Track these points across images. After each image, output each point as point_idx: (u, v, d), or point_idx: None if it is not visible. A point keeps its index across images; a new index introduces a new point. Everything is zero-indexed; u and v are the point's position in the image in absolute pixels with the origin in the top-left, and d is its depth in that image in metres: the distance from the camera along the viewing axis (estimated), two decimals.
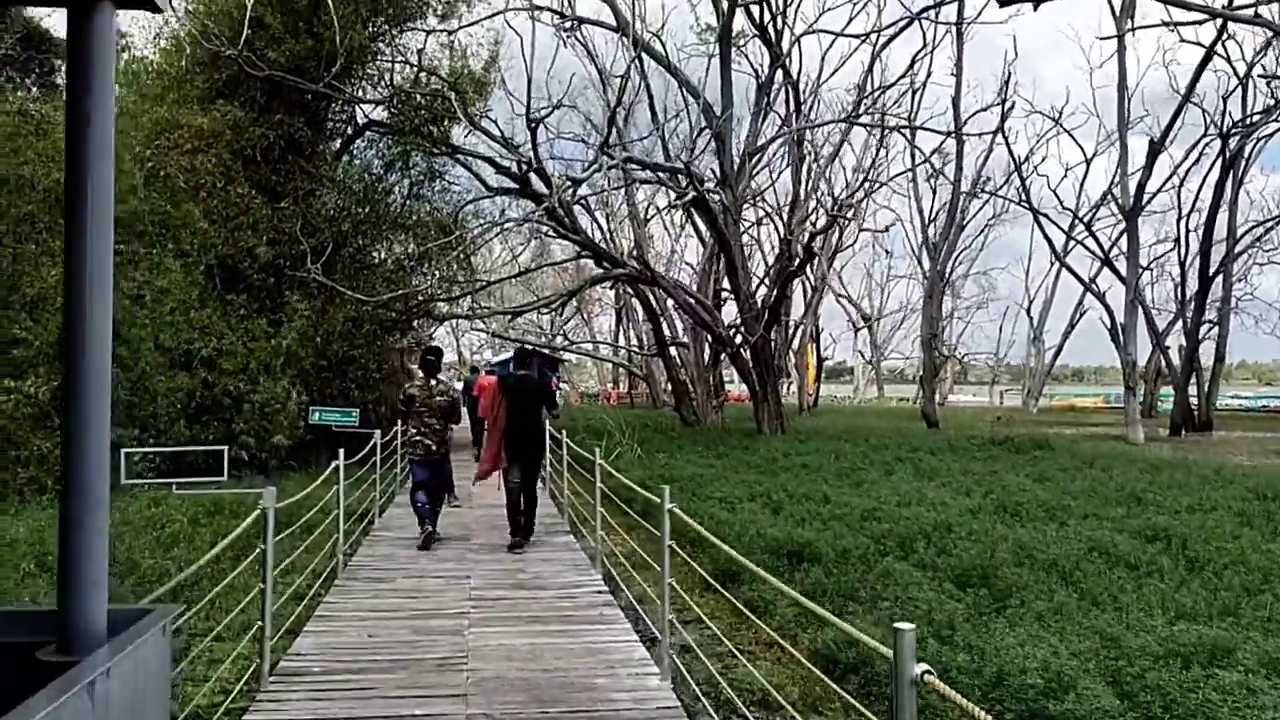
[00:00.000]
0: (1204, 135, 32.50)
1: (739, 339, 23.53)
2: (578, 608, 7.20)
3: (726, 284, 34.22)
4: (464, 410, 12.42)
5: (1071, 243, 37.76)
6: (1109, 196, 33.33)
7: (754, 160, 26.39)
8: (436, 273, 22.55)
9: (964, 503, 10.75)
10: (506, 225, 21.07)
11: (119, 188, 16.29)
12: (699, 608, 6.42)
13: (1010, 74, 33.61)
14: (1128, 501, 11.24)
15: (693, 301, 23.45)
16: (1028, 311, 56.05)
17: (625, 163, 18.71)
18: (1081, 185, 65.81)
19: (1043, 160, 39.23)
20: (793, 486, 12.29)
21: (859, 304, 61.15)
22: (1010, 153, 31.01)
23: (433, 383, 10.23)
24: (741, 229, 26.17)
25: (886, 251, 58.30)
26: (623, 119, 24.79)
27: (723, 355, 34.87)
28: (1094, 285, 33.72)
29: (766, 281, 29.43)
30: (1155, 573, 7.46)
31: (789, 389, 46.70)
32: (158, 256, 15.86)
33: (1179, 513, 10.27)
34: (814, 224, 23.41)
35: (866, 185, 27.80)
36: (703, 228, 41.07)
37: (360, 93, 20.54)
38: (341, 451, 8.90)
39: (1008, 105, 29.37)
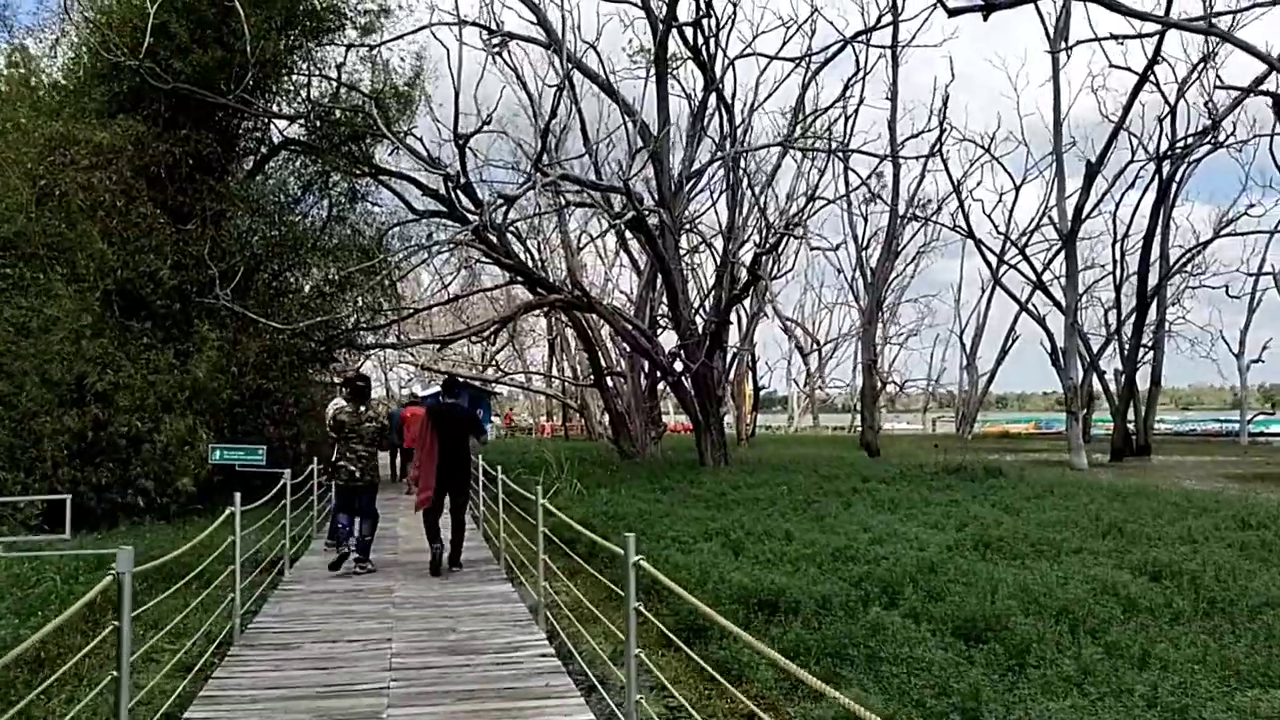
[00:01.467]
0: (1131, 159, 32.69)
1: (679, 367, 22.59)
2: (519, 676, 6.08)
3: (664, 310, 33.47)
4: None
5: (1004, 268, 37.74)
6: (1047, 219, 33.17)
7: (690, 184, 25.64)
8: (359, 300, 21.26)
9: (939, 538, 9.85)
10: (433, 248, 19.90)
11: (4, 206, 14.92)
12: (660, 671, 5.39)
13: (948, 95, 33.32)
14: (1110, 533, 10.44)
15: (630, 328, 22.47)
16: (960, 338, 56.13)
17: (561, 179, 17.71)
18: (1011, 212, 66.13)
19: (977, 185, 39.35)
20: (749, 523, 11.29)
21: (804, 326, 60.70)
22: (949, 175, 30.88)
23: (362, 409, 10.15)
24: (680, 254, 25.29)
25: (818, 282, 58.03)
26: (554, 144, 23.80)
27: (660, 385, 34.11)
28: (1033, 309, 33.44)
29: (704, 309, 28.64)
30: (1177, 618, 6.59)
31: (727, 419, 45.92)
32: (47, 281, 14.42)
33: (1171, 545, 9.48)
34: (759, 244, 22.61)
35: (807, 206, 27.11)
36: (638, 254, 40.37)
37: (275, 108, 19.28)
38: (238, 496, 7.64)
39: (945, 126, 28.95)
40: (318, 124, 19.34)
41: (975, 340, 53.61)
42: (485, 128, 16.72)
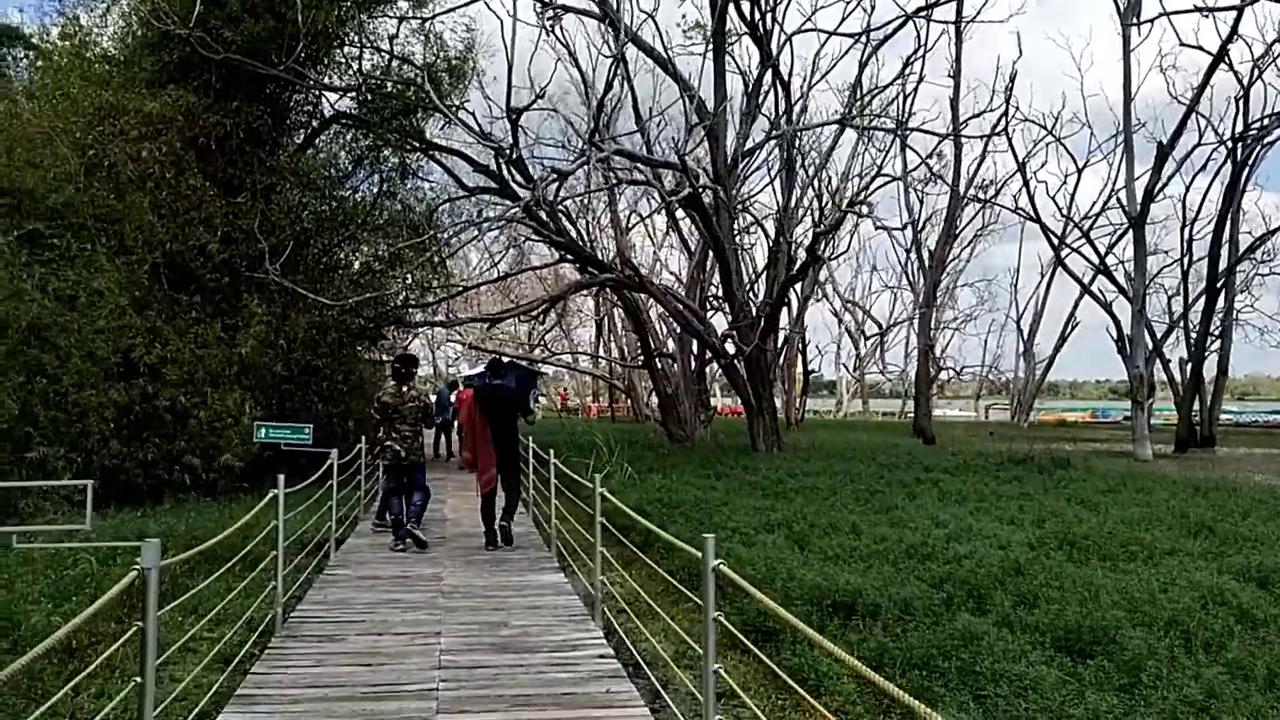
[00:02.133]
0: (1199, 142, 31.39)
1: (731, 349, 22.03)
2: (578, 680, 5.63)
3: (714, 292, 32.84)
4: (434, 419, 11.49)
5: (1067, 252, 36.62)
6: (1115, 202, 32.01)
7: (744, 164, 25.01)
8: (409, 277, 20.94)
9: (1018, 535, 9.24)
10: (484, 224, 19.47)
11: (52, 175, 14.72)
12: (727, 674, 4.91)
13: (1015, 71, 32.28)
14: (1201, 533, 9.78)
15: (683, 308, 21.94)
16: (1017, 324, 54.91)
17: (615, 154, 17.19)
18: (1073, 195, 64.55)
19: (1041, 166, 38.17)
20: (811, 514, 10.77)
21: (863, 308, 59.62)
22: (1014, 154, 29.82)
23: (404, 389, 10.31)
24: (735, 234, 24.68)
25: (873, 267, 56.66)
26: (606, 121, 23.31)
27: (708, 367, 33.53)
28: (1099, 295, 32.32)
29: (755, 291, 28.00)
30: None
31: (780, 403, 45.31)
32: (93, 253, 14.20)
33: (1273, 547, 8.81)
34: (817, 223, 21.95)
35: (870, 184, 26.23)
36: (689, 234, 39.78)
37: (326, 80, 18.95)
38: (281, 479, 7.25)
39: (1012, 104, 27.96)
40: (369, 97, 18.99)
41: (1033, 326, 52.45)
42: (537, 102, 16.22)
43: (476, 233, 23.12)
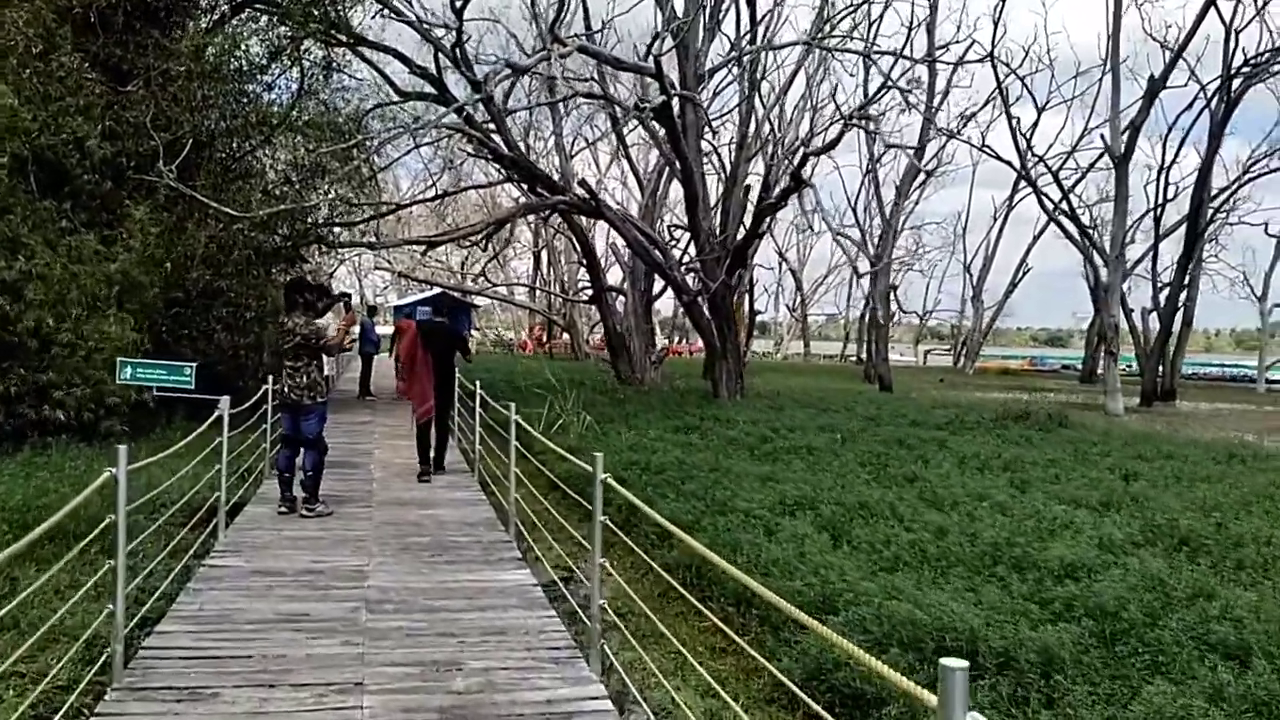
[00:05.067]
0: (1187, 79, 29.65)
1: (695, 285, 19.90)
2: None
3: (672, 223, 30.58)
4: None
5: (1027, 191, 35.00)
6: (1098, 140, 30.21)
7: (699, 85, 22.63)
8: (332, 190, 18.29)
9: (1104, 526, 7.29)
10: (420, 129, 16.86)
11: None
12: None
13: None
14: None
15: (643, 238, 19.68)
16: (966, 269, 53.60)
17: (580, 51, 14.76)
18: (1029, 139, 63.08)
19: (986, 105, 36.34)
20: (825, 487, 8.77)
21: (851, 238, 57.91)
22: (999, 84, 27.65)
23: (286, 319, 8.75)
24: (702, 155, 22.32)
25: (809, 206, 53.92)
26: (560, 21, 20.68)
27: (654, 305, 31.34)
28: (1087, 238, 30.62)
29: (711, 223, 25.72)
30: None
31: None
32: None
33: None
34: (807, 143, 19.72)
35: (875, 97, 23.76)
36: (639, 162, 37.28)
37: None
38: (122, 454, 4.85)
39: (1002, 26, 25.89)
40: None
41: (983, 272, 51.13)
42: (482, 8, 13.77)
43: (410, 142, 20.38)
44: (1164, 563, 6.11)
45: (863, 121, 17.85)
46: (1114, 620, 4.89)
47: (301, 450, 8.62)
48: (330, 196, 18.38)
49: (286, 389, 8.61)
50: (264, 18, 17.41)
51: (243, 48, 17.31)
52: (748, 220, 21.27)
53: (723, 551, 6.29)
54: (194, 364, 11.32)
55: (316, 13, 16.43)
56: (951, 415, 16.55)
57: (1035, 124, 37.20)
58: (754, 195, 23.52)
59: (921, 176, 35.37)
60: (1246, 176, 34.49)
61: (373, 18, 17.49)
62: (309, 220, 17.33)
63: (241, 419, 9.98)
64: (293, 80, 18.04)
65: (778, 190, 18.03)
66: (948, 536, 6.71)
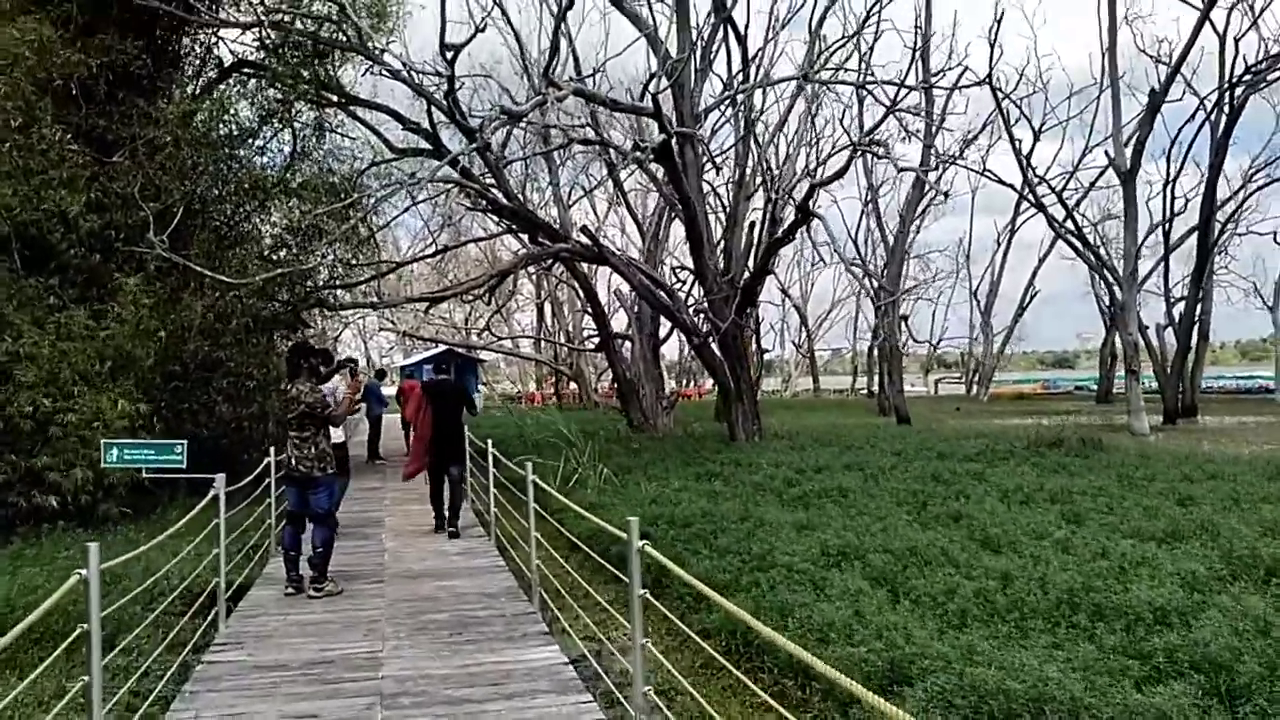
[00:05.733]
0: (1183, 92, 29.31)
1: (706, 327, 19.39)
2: None
3: (677, 264, 30.13)
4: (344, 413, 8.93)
5: (1031, 212, 34.56)
6: (1102, 157, 29.84)
7: (698, 126, 22.28)
8: (331, 252, 17.88)
9: (1180, 559, 6.70)
10: (416, 184, 16.45)
11: None
12: None
13: (1002, 11, 29.94)
14: None
15: (649, 282, 19.23)
16: (974, 295, 53.07)
17: (576, 94, 14.38)
18: (1028, 160, 62.85)
19: (996, 140, 36.08)
20: (867, 531, 8.21)
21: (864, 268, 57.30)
22: (999, 105, 27.31)
23: (290, 387, 8.28)
24: (704, 195, 21.93)
25: (826, 240, 53.29)
26: (557, 67, 20.40)
27: (661, 347, 30.81)
28: (1097, 257, 30.09)
29: (716, 262, 25.26)
30: None
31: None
32: None
33: None
34: (814, 174, 19.33)
35: (878, 126, 23.39)
36: (638, 207, 37.03)
37: (222, 16, 15.79)
38: (93, 553, 4.30)
39: (998, 48, 25.64)
40: (272, 38, 15.87)
41: (990, 298, 50.59)
42: (472, 66, 13.42)
43: (408, 200, 19.99)
44: (1261, 600, 5.53)
45: (872, 147, 17.40)
46: (1228, 675, 4.31)
47: (310, 526, 8.07)
48: (329, 258, 17.96)
49: (294, 460, 8.07)
50: (252, 81, 17.14)
51: (232, 112, 17.02)
52: (753, 258, 20.86)
53: (770, 616, 5.73)
54: (184, 441, 10.70)
55: (306, 74, 16.17)
56: (981, 446, 15.94)
57: (1033, 147, 36.88)
58: (757, 232, 23.19)
59: (938, 197, 35.06)
60: (1253, 185, 34.06)
61: (364, 75, 17.21)
62: (309, 284, 16.89)
63: (246, 493, 9.47)
64: (285, 143, 17.74)
65: (785, 224, 17.56)
66: (1015, 583, 6.13)
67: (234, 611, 7.29)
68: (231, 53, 17.37)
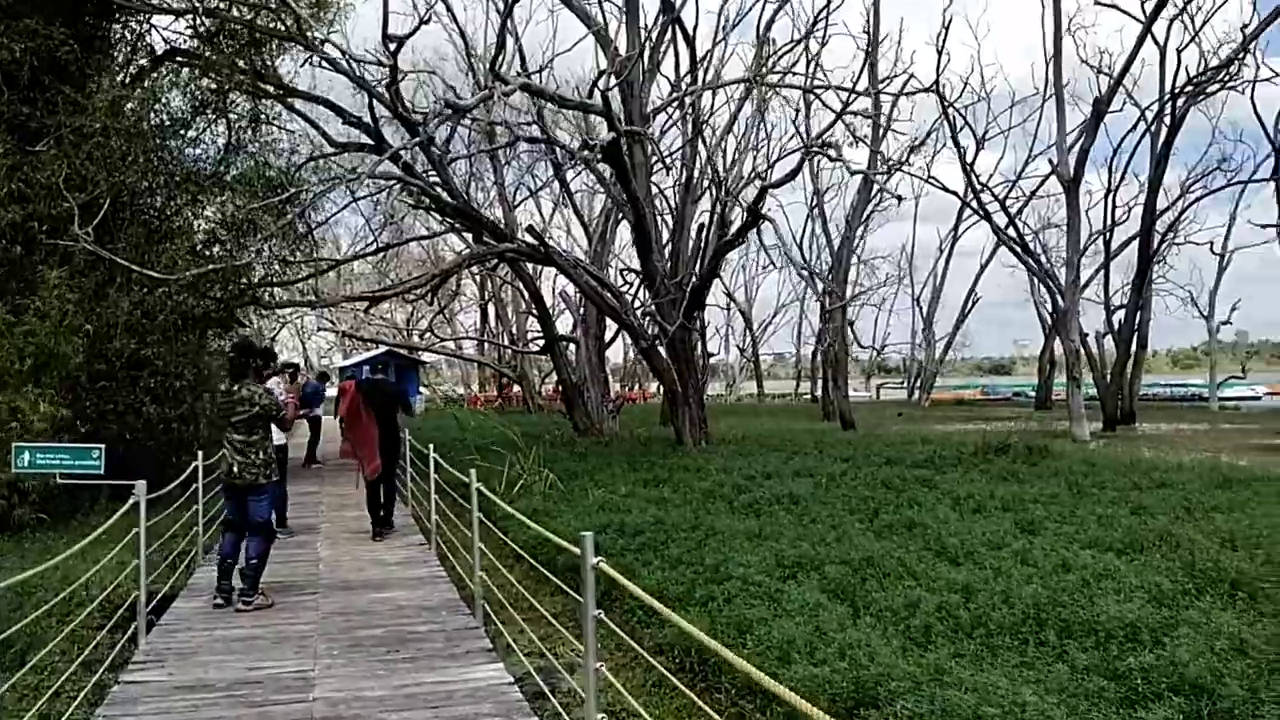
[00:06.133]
0: (1123, 103, 29.71)
1: (653, 330, 19.14)
2: None
3: (624, 266, 29.88)
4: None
5: (972, 220, 34.79)
6: (1050, 164, 30.06)
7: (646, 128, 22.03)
8: (266, 248, 17.31)
9: (1145, 572, 6.55)
10: (356, 179, 15.98)
11: None
12: None
13: (949, 18, 30.11)
14: None
15: (596, 284, 18.92)
16: (916, 302, 53.55)
17: (523, 90, 14.03)
18: (970, 169, 63.61)
19: (941, 146, 36.57)
20: (820, 540, 8.00)
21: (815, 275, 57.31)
22: (945, 112, 27.40)
23: (236, 388, 7.71)
24: (653, 196, 21.68)
25: (761, 243, 53.30)
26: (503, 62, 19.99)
27: (607, 350, 30.51)
28: (1039, 264, 30.33)
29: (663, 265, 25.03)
30: None
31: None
32: None
33: None
34: (764, 176, 19.12)
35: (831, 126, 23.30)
36: (584, 208, 36.71)
37: (155, 2, 15.18)
38: None
39: (945, 54, 25.77)
40: (207, 26, 15.31)
41: (933, 305, 51.07)
42: (415, 62, 13.04)
43: (348, 196, 19.47)
44: (1233, 616, 5.37)
45: (824, 149, 17.26)
46: (1210, 698, 4.12)
47: (247, 535, 7.62)
48: (264, 255, 17.39)
49: (236, 467, 7.58)
50: (186, 70, 16.53)
51: (164, 101, 16.41)
52: (701, 260, 20.65)
53: (727, 633, 5.46)
54: (102, 446, 10.09)
55: (242, 63, 15.61)
56: (929, 452, 15.86)
57: (976, 155, 37.21)
58: (705, 235, 22.99)
59: (888, 200, 35.17)
60: (1192, 196, 34.70)
61: (302, 65, 16.68)
62: (243, 281, 16.32)
63: (173, 497, 9.00)
64: (219, 135, 17.15)
65: (735, 226, 17.36)
66: (977, 597, 5.92)
67: (156, 625, 6.84)
68: (164, 40, 16.75)
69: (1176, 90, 25.53)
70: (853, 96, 20.66)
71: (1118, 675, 4.49)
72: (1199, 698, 4.14)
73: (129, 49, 16.49)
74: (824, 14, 24.48)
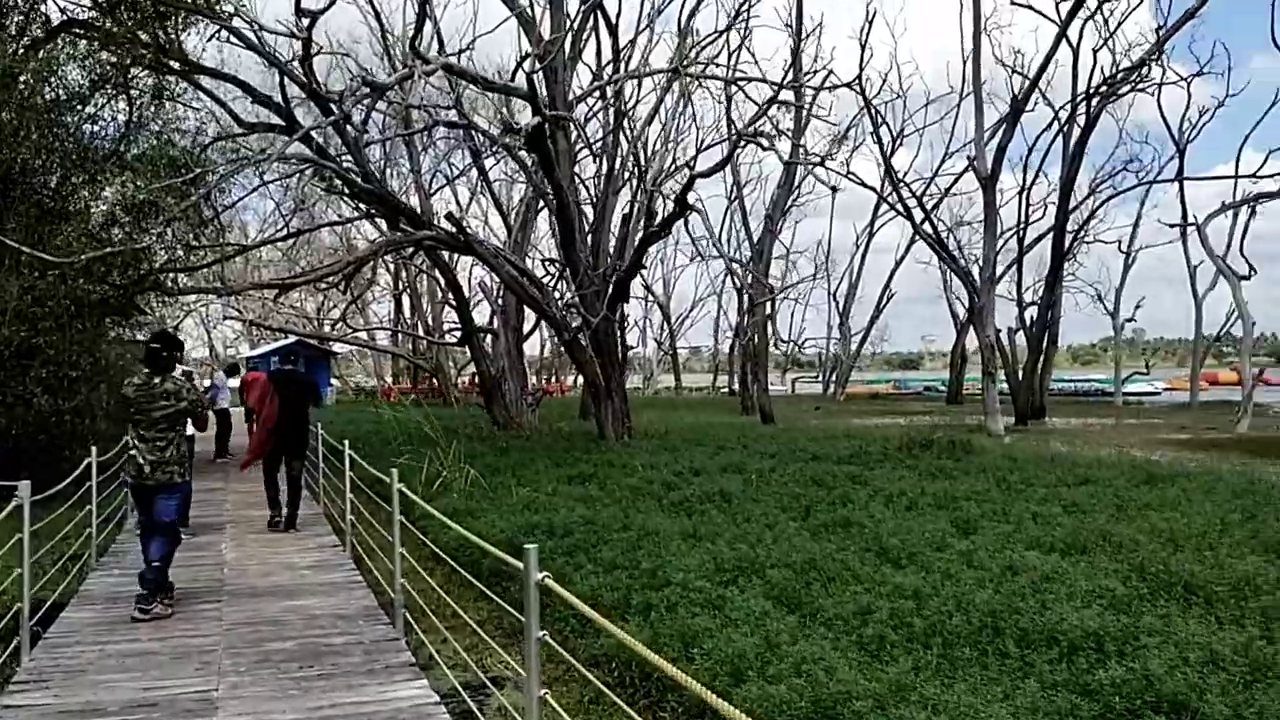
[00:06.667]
0: (1035, 102, 30.17)
1: (576, 322, 18.73)
2: None
3: (545, 256, 29.34)
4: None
5: (887, 215, 35.12)
6: (967, 161, 30.40)
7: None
8: (169, 232, 16.43)
9: (1096, 576, 6.36)
10: (266, 160, 15.22)
11: None
12: None
13: (873, 11, 30.20)
14: None
15: (517, 274, 18.42)
16: (832, 297, 54.03)
17: (444, 70, 13.47)
18: (888, 166, 64.40)
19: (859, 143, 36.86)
20: (759, 540, 7.72)
21: (747, 269, 57.12)
22: (868, 106, 27.43)
23: (156, 379, 7.17)
24: (576, 185, 21.24)
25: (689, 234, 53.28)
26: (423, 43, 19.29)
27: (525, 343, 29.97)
28: (954, 260, 30.71)
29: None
30: None
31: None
32: None
33: None
34: (692, 165, 18.79)
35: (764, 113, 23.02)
36: (503, 197, 36.02)
37: None
38: None
39: (867, 49, 25.77)
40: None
41: (849, 298, 51.55)
42: (329, 44, 12.43)
43: (257, 179, 18.64)
44: (1194, 623, 5.20)
45: (757, 138, 17.02)
46: (1193, 717, 3.89)
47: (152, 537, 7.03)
48: (167, 239, 16.51)
49: (149, 467, 7.03)
50: (84, 42, 15.57)
51: (60, 74, 15.45)
52: (625, 251, 20.29)
53: (672, 646, 5.11)
54: None
55: (144, 36, 14.74)
56: (854, 447, 15.75)
57: (892, 152, 37.58)
58: (630, 226, 22.61)
59: (811, 195, 35.35)
60: (1102, 195, 35.51)
61: (209, 40, 15.83)
62: (143, 266, 15.44)
63: (66, 495, 8.32)
64: (120, 111, 16.21)
65: (661, 217, 17.04)
66: (929, 603, 5.67)
67: (41, 640, 6.22)
68: (61, 9, 15.75)
69: (1091, 90, 25.93)
70: (777, 89, 20.51)
71: (1089, 691, 4.25)
72: (1179, 716, 3.92)
73: (22, 18, 15.47)
74: (746, 5, 24.40)
